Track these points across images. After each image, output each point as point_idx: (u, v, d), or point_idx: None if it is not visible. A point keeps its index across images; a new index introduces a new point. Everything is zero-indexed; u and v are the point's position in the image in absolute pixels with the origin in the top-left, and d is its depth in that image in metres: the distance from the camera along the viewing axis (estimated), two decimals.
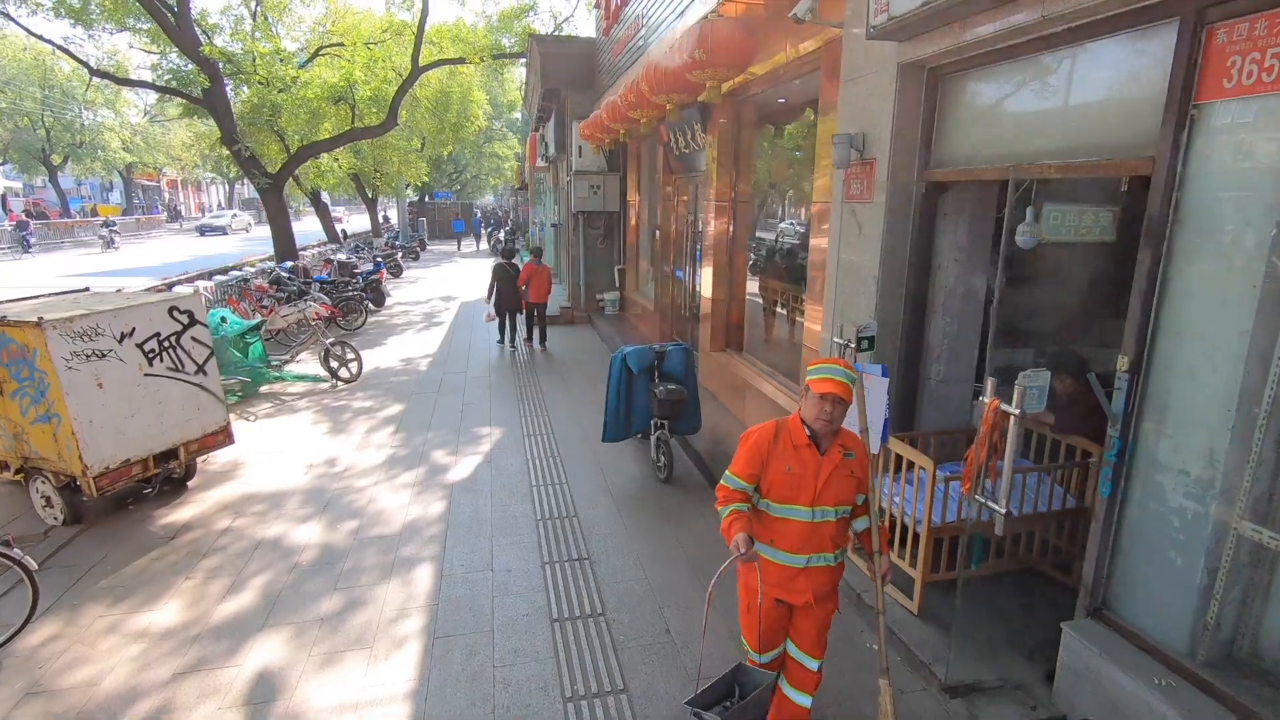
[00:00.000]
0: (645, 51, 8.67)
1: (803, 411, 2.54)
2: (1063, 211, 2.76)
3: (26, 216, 35.75)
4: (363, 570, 4.30)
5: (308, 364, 9.21)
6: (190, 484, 5.55)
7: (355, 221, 39.36)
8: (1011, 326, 4.48)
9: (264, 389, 8.34)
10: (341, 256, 14.68)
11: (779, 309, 6.57)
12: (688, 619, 3.77)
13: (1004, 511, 2.74)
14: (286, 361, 8.73)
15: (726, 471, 2.63)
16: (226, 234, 35.17)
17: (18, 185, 40.80)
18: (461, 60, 13.10)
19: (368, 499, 5.31)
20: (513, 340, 10.55)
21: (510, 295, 10.19)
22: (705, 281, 7.62)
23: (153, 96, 16.33)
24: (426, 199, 38.75)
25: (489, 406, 7.65)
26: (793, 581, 2.55)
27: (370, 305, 13.99)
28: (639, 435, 5.88)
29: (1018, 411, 2.65)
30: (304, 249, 17.11)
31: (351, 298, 11.79)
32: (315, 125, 12.93)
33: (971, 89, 3.61)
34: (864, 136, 4.08)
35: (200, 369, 5.10)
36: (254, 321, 8.31)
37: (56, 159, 34.26)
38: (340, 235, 21.41)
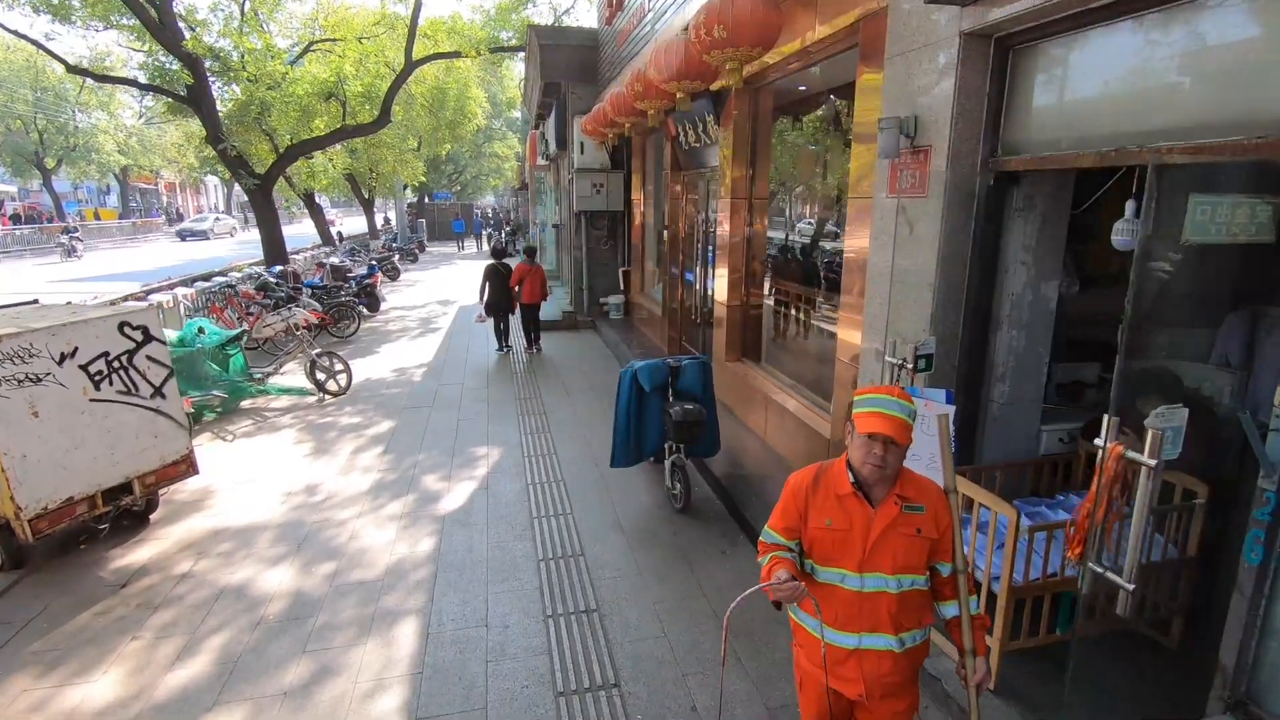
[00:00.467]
0: (651, 39, 8.10)
1: (850, 453, 1.99)
2: (1213, 205, 2.16)
3: (14, 221, 35.31)
4: (337, 627, 3.72)
5: (295, 375, 8.63)
6: (153, 517, 4.99)
7: (355, 224, 38.84)
8: (1096, 339, 3.90)
9: (246, 404, 7.78)
10: (334, 260, 14.12)
11: (803, 316, 5.98)
12: (717, 692, 3.18)
13: (1131, 587, 2.15)
14: (270, 374, 8.16)
15: (765, 525, 2.09)
16: (209, 238, 33.67)
17: (12, 189, 40.32)
18: (457, 54, 12.54)
19: (349, 534, 4.73)
20: (507, 341, 10.19)
21: (502, 297, 9.80)
22: (719, 285, 7.04)
23: (149, 98, 15.72)
24: (426, 200, 38.26)
25: (486, 423, 7.08)
26: (841, 666, 1.99)
27: (364, 310, 13.44)
28: (651, 459, 5.30)
29: (1152, 462, 2.06)
30: (297, 252, 16.57)
31: (344, 303, 11.22)
32: (306, 123, 12.37)
33: (1055, 59, 3.02)
34: (915, 120, 3.49)
35: (157, 391, 4.53)
36: (234, 332, 7.74)
37: (50, 162, 33.76)
38: (337, 238, 20.86)
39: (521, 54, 15.31)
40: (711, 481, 5.42)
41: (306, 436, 6.71)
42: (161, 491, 5.01)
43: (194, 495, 5.36)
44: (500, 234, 28.84)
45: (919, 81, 3.47)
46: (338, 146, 16.15)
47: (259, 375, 7.92)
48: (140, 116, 36.75)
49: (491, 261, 10.14)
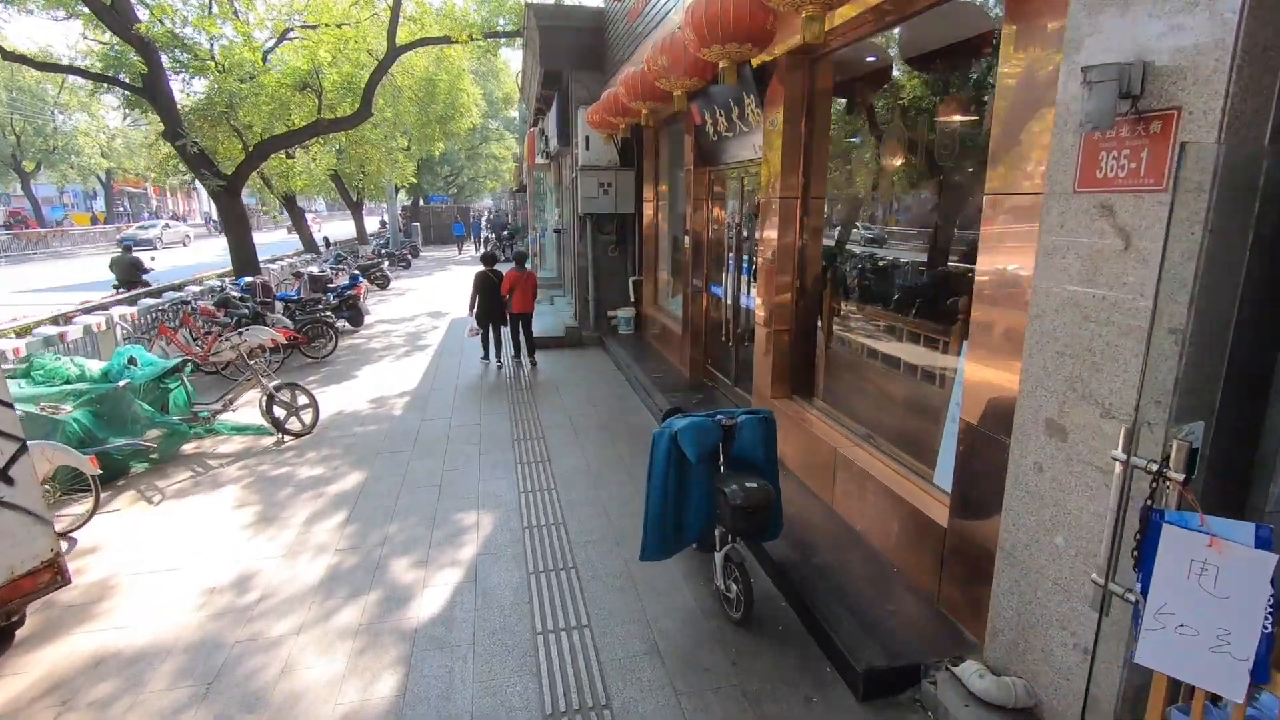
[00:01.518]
0: (675, 8, 6.81)
1: None
2: None
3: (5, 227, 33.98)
4: None
5: (254, 408, 7.32)
6: (20, 634, 3.68)
7: (345, 228, 37.53)
8: None
9: (190, 448, 6.47)
10: (313, 269, 12.80)
11: (885, 348, 4.67)
12: None
13: None
14: (219, 411, 6.83)
15: None
16: (155, 248, 28.58)
17: None
18: (447, 39, 11.26)
19: (281, 665, 3.42)
20: (499, 355, 9.58)
21: (493, 306, 9.23)
22: (761, 303, 5.73)
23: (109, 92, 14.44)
24: (421, 202, 36.97)
25: (477, 475, 5.76)
26: None
27: (347, 324, 12.15)
28: (694, 545, 3.99)
29: None
30: (276, 260, 15.26)
31: (319, 320, 9.91)
32: (280, 117, 11.08)
33: None
34: (1145, 70, 2.20)
35: (1, 475, 3.21)
36: (172, 362, 6.42)
37: (29, 165, 32.43)
38: (323, 243, 19.55)
39: (519, 42, 14.04)
40: (771, 571, 4.11)
41: (252, 496, 5.39)
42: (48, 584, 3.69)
43: (85, 594, 4.05)
44: (497, 237, 27.58)
45: (1158, 6, 2.17)
46: (319, 143, 14.85)
47: (206, 413, 6.60)
48: (125, 118, 35.40)
49: (481, 269, 9.31)
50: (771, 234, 5.46)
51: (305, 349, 9.91)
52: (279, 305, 10.98)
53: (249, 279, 10.61)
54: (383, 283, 18.29)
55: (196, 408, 6.58)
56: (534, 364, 9.42)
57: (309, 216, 43.94)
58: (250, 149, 10.91)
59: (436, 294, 17.40)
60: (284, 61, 11.38)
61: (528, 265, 10.38)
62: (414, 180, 20.67)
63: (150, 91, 10.02)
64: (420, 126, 14.25)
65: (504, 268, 10.17)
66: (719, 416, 3.69)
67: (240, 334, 7.43)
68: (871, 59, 4.91)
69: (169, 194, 57.16)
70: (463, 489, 5.48)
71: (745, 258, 6.64)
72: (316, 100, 11.09)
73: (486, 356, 9.62)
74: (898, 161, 4.61)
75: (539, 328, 11.07)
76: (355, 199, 19.74)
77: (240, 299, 9.47)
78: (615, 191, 10.15)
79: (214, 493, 5.48)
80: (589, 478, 5.67)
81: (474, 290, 9.19)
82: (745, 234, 6.71)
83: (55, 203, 48.26)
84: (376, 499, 5.31)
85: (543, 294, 14.64)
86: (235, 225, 11.03)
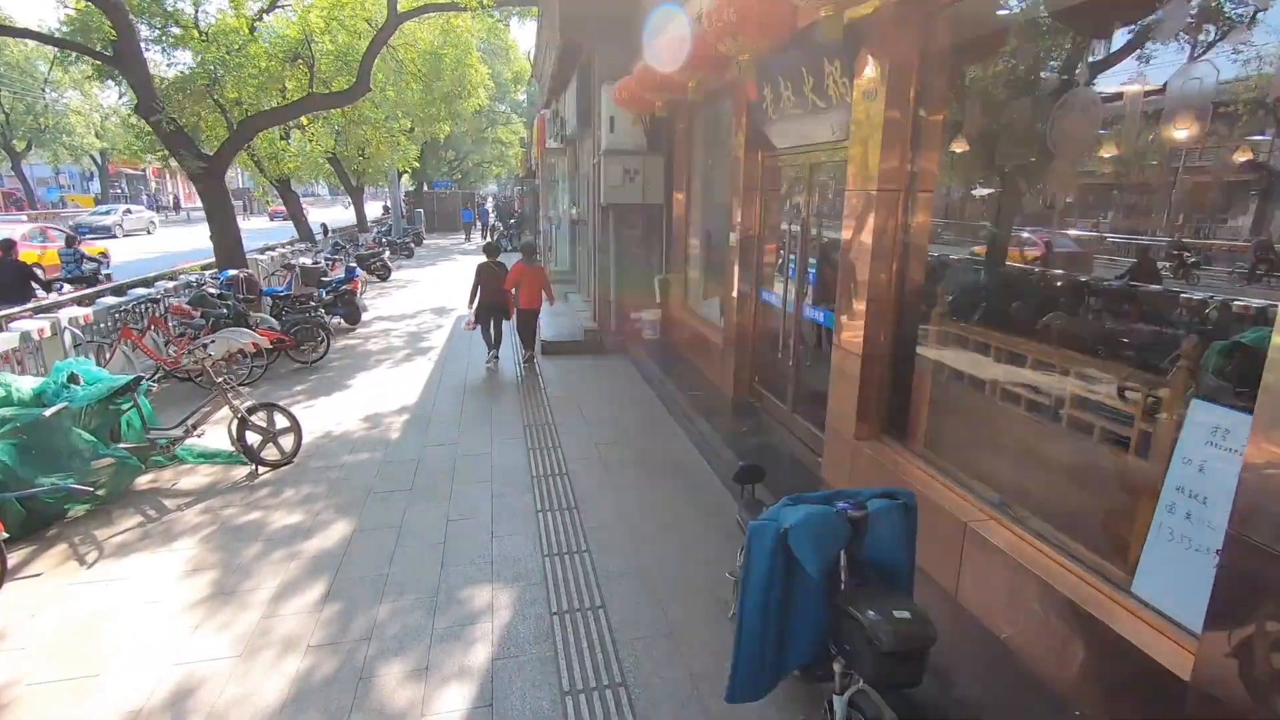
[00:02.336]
0: None
1: None
2: None
3: None
4: None
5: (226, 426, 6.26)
6: None
7: (348, 214, 36.35)
8: None
9: (147, 480, 5.42)
10: (305, 261, 11.69)
11: (1032, 387, 3.57)
12: None
13: None
14: (180, 438, 5.74)
15: None
16: (115, 236, 25.92)
17: None
18: (454, 6, 10.09)
19: None
20: (497, 347, 8.94)
21: (496, 300, 8.65)
22: (843, 318, 4.63)
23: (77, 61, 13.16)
24: (425, 188, 35.80)
25: (489, 528, 4.69)
26: None
27: (342, 322, 11.08)
28: (797, 672, 2.91)
29: None
30: (268, 250, 14.15)
31: (308, 320, 8.81)
32: (268, 92, 9.95)
33: None
34: None
35: None
36: (122, 379, 5.33)
37: (19, 144, 31.28)
38: (322, 231, 18.42)
39: (530, 20, 12.87)
40: (893, 702, 3.02)
41: (211, 556, 4.33)
42: None
43: None
44: (504, 225, 26.44)
45: None
46: (315, 122, 13.68)
47: (165, 440, 5.52)
48: (121, 96, 34.17)
49: (484, 260, 8.78)
50: (861, 234, 4.35)
51: (293, 353, 8.83)
52: (266, 302, 9.91)
53: (232, 272, 9.52)
54: (383, 274, 17.20)
55: (153, 434, 5.50)
56: (529, 360, 8.93)
57: (307, 202, 42.78)
58: (235, 126, 9.76)
59: (441, 286, 16.29)
60: (274, 30, 10.20)
61: (537, 258, 9.32)
62: (417, 164, 19.45)
63: (120, 60, 8.89)
64: (424, 106, 13.06)
65: (509, 259, 9.11)
66: (842, 505, 2.59)
67: (230, 332, 6.34)
68: (1004, 10, 3.79)
69: (168, 176, 55.98)
70: (472, 550, 4.40)
71: (813, 261, 5.52)
72: (308, 72, 9.92)
73: (492, 357, 8.89)
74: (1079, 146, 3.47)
75: (553, 331, 10.00)
76: (355, 184, 18.57)
77: (219, 296, 8.37)
78: (643, 179, 9.01)
79: (164, 549, 4.41)
80: (629, 535, 4.59)
81: (475, 282, 8.62)
82: (815, 232, 5.59)
83: (51, 184, 47.19)
84: (365, 563, 4.24)
85: (556, 290, 13.53)
86: (218, 212, 9.92)
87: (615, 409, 7.24)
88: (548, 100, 15.66)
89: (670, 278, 9.58)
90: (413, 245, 23.16)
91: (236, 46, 9.81)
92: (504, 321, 8.88)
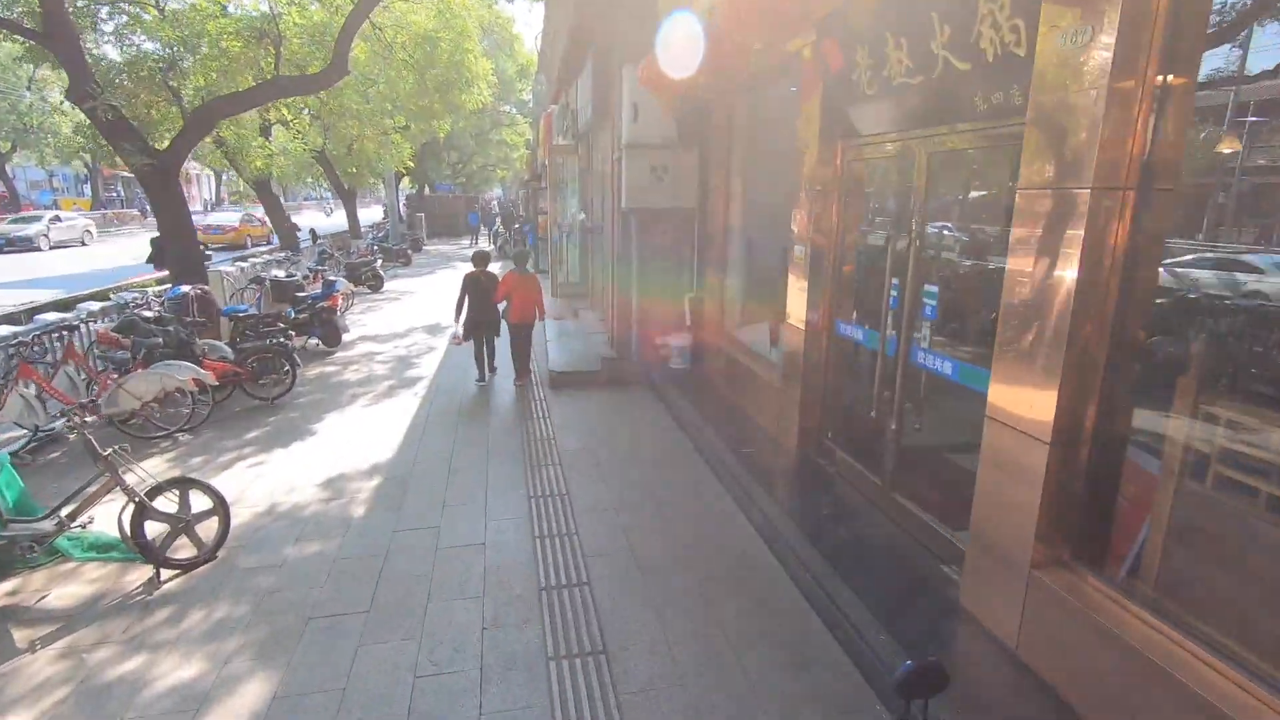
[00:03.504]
0: None
1: None
2: None
3: None
4: None
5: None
6: None
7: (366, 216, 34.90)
8: None
9: (6, 589, 3.90)
10: (278, 273, 10.18)
11: None
12: None
13: None
14: (48, 535, 4.17)
15: None
16: (38, 248, 22.42)
17: None
18: None
19: None
20: (492, 369, 8.22)
21: (486, 315, 7.86)
22: (1010, 380, 3.08)
23: None
24: (427, 191, 34.40)
25: (478, 695, 3.14)
26: None
27: (320, 344, 9.57)
28: None
29: None
30: (243, 260, 12.66)
31: (267, 350, 7.29)
32: (231, 75, 8.48)
33: None
34: None
35: None
36: None
37: (3, 145, 29.97)
38: (310, 237, 16.93)
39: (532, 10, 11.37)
40: None
41: None
42: None
43: None
44: (507, 231, 24.96)
45: None
46: (297, 115, 12.20)
47: (27, 538, 3.98)
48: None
49: (471, 270, 7.92)
50: (1048, 257, 2.80)
51: (250, 388, 7.31)
52: (226, 324, 8.41)
53: (185, 289, 8.02)
54: (375, 284, 15.70)
55: (14, 529, 3.97)
56: (520, 385, 8.02)
57: (309, 205, 41.35)
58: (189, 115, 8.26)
59: (437, 298, 14.76)
60: (242, 6, 8.73)
61: (529, 267, 8.03)
62: (411, 164, 17.94)
63: (49, 36, 7.42)
64: (415, 97, 11.55)
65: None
66: None
67: (167, 366, 4.86)
68: None
69: None
70: None
71: (931, 289, 3.97)
72: (274, 52, 8.40)
73: (481, 378, 8.09)
74: None
75: (564, 357, 8.47)
76: (348, 186, 17.08)
77: (156, 320, 6.85)
78: (673, 179, 7.47)
79: None
80: (688, 707, 3.03)
81: (461, 293, 7.80)
82: (932, 249, 4.04)
83: (44, 187, 45.97)
84: None
85: (564, 305, 12.04)
86: (171, 218, 8.43)
87: (645, 469, 5.67)
88: (556, 94, 14.16)
89: (704, 296, 8.04)
90: (410, 252, 21.68)
91: (197, 25, 8.34)
92: (495, 339, 8.06)
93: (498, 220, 29.07)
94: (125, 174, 53.56)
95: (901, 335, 4.21)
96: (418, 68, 10.90)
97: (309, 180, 18.11)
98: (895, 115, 4.16)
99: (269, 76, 8.74)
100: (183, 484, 4.27)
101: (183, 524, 4.21)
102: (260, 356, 7.26)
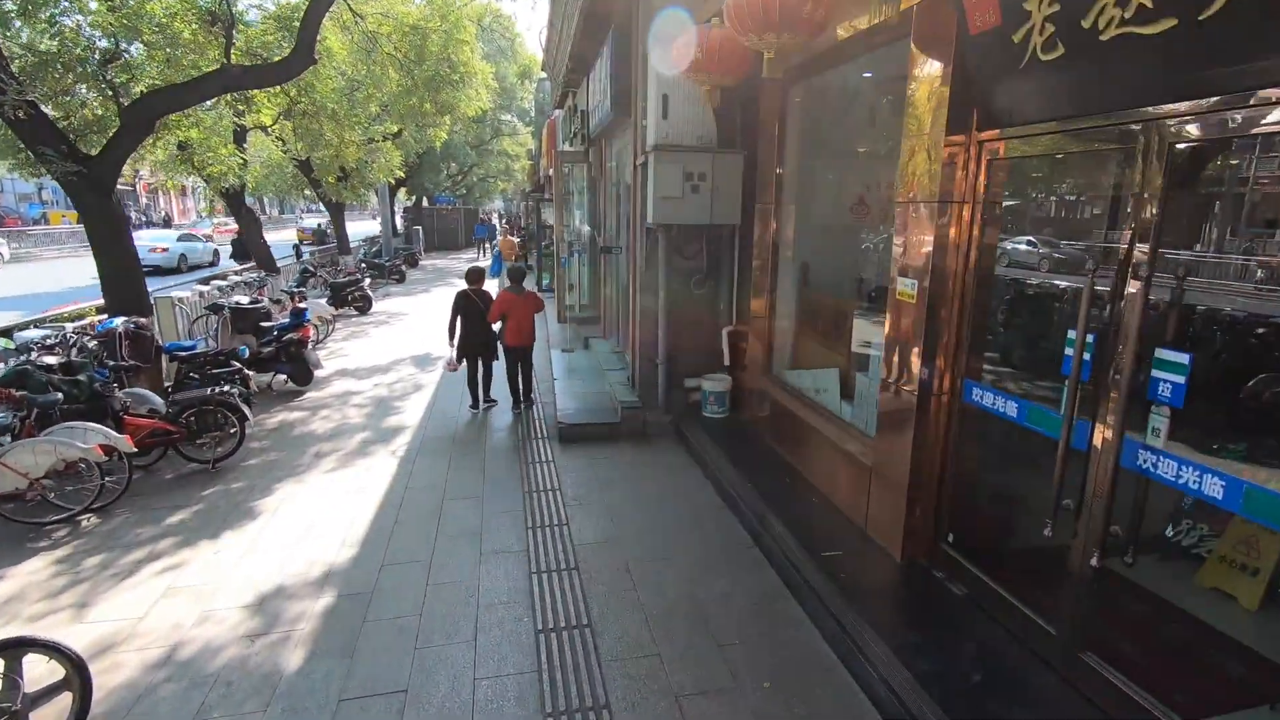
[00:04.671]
0: None
1: None
2: None
3: None
4: None
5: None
6: None
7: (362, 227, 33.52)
8: None
9: None
10: (240, 299, 8.75)
11: None
12: None
13: None
14: None
15: None
16: None
17: None
18: None
19: None
20: (486, 399, 7.57)
21: (479, 336, 7.27)
22: None
23: None
24: (425, 203, 33.11)
25: None
26: None
27: (290, 382, 8.17)
28: None
29: None
30: (208, 284, 11.26)
31: (210, 401, 5.85)
32: (176, 66, 7.08)
33: None
34: None
35: None
36: None
37: None
38: (294, 254, 15.49)
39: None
40: None
41: None
42: None
43: None
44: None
45: None
46: (274, 114, 10.80)
47: None
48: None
49: (463, 289, 7.40)
50: None
51: (186, 450, 5.87)
52: (165, 362, 6.99)
53: (117, 322, 6.59)
54: (363, 306, 14.30)
55: None
56: (530, 403, 7.47)
57: (311, 216, 39.94)
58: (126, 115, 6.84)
59: (429, 321, 13.35)
60: None
61: (526, 284, 7.45)
62: (402, 174, 16.54)
63: None
64: (403, 95, 10.15)
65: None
66: None
67: (70, 429, 3.51)
68: None
69: (160, 191, 53.56)
70: None
71: (1173, 358, 2.52)
72: (224, 38, 6.98)
73: (475, 406, 7.53)
74: None
75: (575, 403, 7.05)
76: (335, 198, 15.69)
77: (61, 367, 5.40)
78: (712, 188, 6.05)
79: None
80: None
81: (453, 314, 7.29)
82: (1162, 291, 2.61)
83: (34, 199, 44.81)
84: None
85: (573, 333, 10.61)
86: (106, 236, 7.02)
87: (694, 580, 4.20)
88: (561, 97, 12.81)
89: (745, 329, 6.61)
90: (404, 268, 20.30)
91: (138, 5, 6.96)
92: (492, 362, 7.45)
93: (499, 235, 27.73)
94: (119, 187, 52.48)
95: (1105, 421, 2.76)
96: (405, 63, 9.52)
97: (304, 192, 16.70)
98: (1102, 89, 2.74)
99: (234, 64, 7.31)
100: (12, 649, 2.81)
101: (11, 714, 2.75)
102: (199, 410, 5.82)
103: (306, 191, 15.15)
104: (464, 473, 5.84)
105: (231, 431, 6.01)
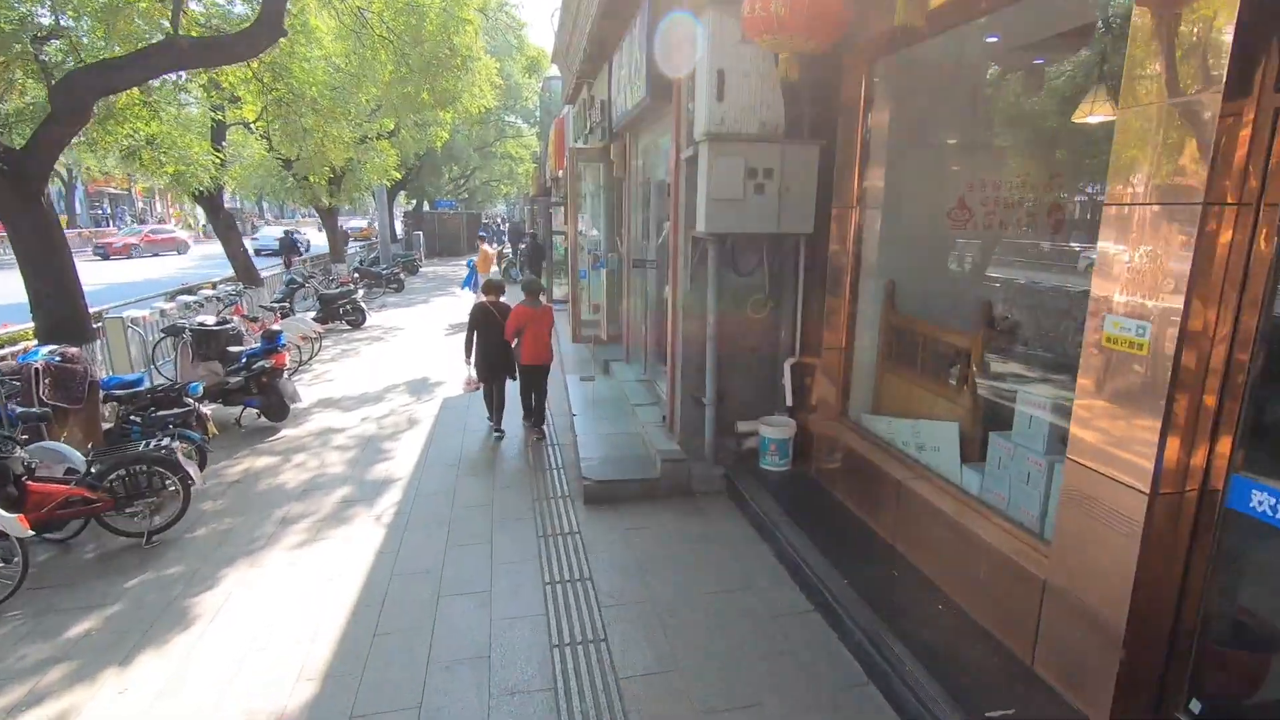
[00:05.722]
0: None
1: None
2: None
3: None
4: None
5: None
6: None
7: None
8: None
9: None
10: (206, 319, 7.49)
11: None
12: None
13: None
14: None
15: None
16: None
17: None
18: None
19: None
20: (499, 422, 6.81)
21: (496, 352, 6.58)
22: None
23: None
24: (426, 207, 31.94)
25: None
26: None
27: (263, 418, 6.96)
28: None
29: None
30: (188, 291, 10.06)
31: (144, 459, 4.60)
32: (123, 38, 5.88)
33: None
34: None
35: None
36: None
37: None
38: (284, 262, 14.25)
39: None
40: None
41: None
42: None
43: None
44: (514, 251, 22.44)
45: None
46: (248, 115, 9.59)
47: None
48: None
49: (480, 301, 6.91)
50: None
51: (112, 519, 4.62)
52: (100, 402, 5.74)
53: (44, 352, 5.35)
54: (356, 319, 13.07)
55: None
56: (540, 436, 6.76)
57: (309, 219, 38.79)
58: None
59: (429, 336, 12.12)
60: None
61: (542, 298, 6.79)
62: (398, 175, 15.28)
63: None
64: (396, 83, 8.90)
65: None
66: None
67: None
68: None
69: (157, 195, 52.55)
70: None
71: None
72: (172, 4, 5.76)
73: (497, 428, 6.82)
74: None
75: (601, 450, 5.80)
76: (327, 202, 14.43)
77: None
78: (780, 188, 4.79)
79: None
80: None
81: (470, 328, 6.69)
82: None
83: None
84: None
85: (590, 354, 9.36)
86: (35, 247, 5.79)
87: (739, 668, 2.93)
88: (574, 90, 11.58)
89: (813, 362, 5.34)
90: (403, 276, 19.09)
91: None
92: (507, 380, 6.81)
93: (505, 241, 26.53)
94: (115, 191, 51.29)
95: None
96: (398, 44, 8.27)
97: (283, 198, 15.50)
98: None
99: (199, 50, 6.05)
100: None
101: None
102: (128, 471, 4.57)
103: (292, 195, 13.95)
104: (466, 551, 4.57)
105: (172, 489, 4.75)
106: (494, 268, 15.26)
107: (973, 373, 4.03)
